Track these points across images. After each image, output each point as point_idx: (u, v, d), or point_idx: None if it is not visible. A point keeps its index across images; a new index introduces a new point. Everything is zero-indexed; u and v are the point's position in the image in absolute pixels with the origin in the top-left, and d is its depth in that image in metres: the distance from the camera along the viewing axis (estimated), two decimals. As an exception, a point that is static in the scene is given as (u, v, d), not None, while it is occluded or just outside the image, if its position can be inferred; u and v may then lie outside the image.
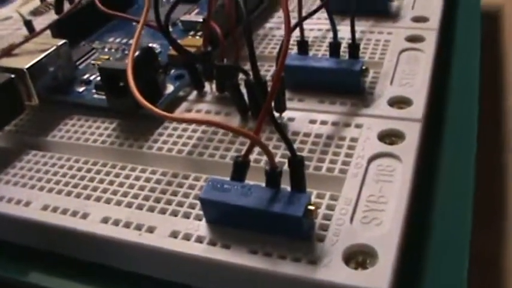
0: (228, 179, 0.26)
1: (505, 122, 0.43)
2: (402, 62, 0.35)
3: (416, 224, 0.26)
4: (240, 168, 0.25)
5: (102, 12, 0.35)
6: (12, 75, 0.32)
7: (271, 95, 0.24)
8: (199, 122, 0.29)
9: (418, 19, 0.40)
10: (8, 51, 0.34)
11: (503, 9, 0.58)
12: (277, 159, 0.28)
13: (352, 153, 0.28)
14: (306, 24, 0.35)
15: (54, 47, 0.35)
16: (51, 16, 0.46)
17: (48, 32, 0.39)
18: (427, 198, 0.28)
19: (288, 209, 0.23)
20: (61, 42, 0.35)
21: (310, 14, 0.33)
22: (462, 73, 0.37)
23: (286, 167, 0.25)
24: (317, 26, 0.40)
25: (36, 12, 0.49)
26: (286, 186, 0.25)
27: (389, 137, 0.29)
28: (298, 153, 0.25)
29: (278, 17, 0.43)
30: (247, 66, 0.35)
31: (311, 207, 0.23)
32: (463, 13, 0.44)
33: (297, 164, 0.24)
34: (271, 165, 0.24)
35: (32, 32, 0.41)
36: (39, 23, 0.45)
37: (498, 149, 0.40)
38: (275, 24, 0.42)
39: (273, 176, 0.24)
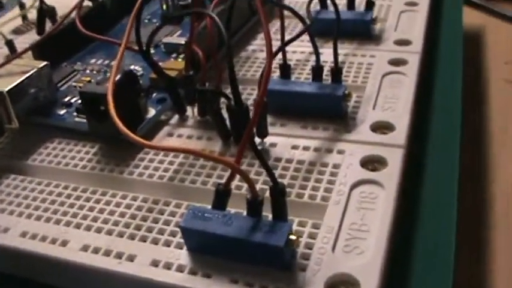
0: (209, 206, 0.25)
1: (487, 145, 0.43)
2: (385, 85, 0.35)
3: (399, 250, 0.26)
4: (222, 197, 0.25)
5: (83, 34, 0.35)
6: (-8, 98, 0.32)
7: (252, 123, 0.24)
8: (178, 151, 0.29)
9: (401, 42, 0.40)
10: (-12, 73, 0.34)
11: (484, 30, 0.58)
12: (259, 185, 0.28)
13: (334, 180, 0.28)
14: (289, 47, 0.35)
15: (35, 69, 0.34)
16: (33, 36, 0.46)
17: (29, 52, 0.38)
18: (409, 225, 0.28)
19: (269, 238, 0.23)
20: (42, 64, 0.35)
21: (293, 39, 0.33)
22: (444, 95, 0.37)
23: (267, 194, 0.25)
24: (300, 49, 0.40)
25: (17, 31, 0.49)
26: (267, 213, 0.25)
27: (372, 163, 0.29)
28: (280, 182, 0.24)
29: (261, 39, 0.43)
30: (228, 90, 0.35)
31: (292, 237, 0.23)
32: (445, 34, 0.44)
33: (278, 193, 0.24)
34: (252, 194, 0.24)
35: (13, 52, 0.41)
36: (21, 41, 0.45)
37: (479, 176, 0.40)
38: (258, 47, 0.42)
39: (254, 205, 0.24)
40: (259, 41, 0.43)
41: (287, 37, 0.34)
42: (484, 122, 0.46)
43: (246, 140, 0.23)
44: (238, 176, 0.27)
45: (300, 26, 0.42)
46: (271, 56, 0.24)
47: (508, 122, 0.46)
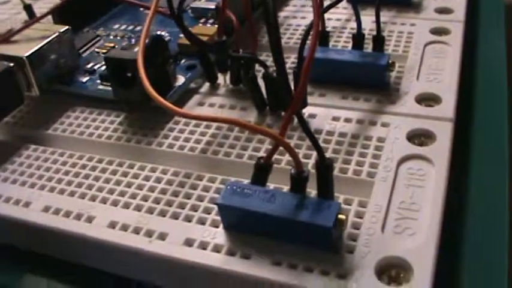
0: (246, 181, 0.24)
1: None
2: (428, 55, 0.33)
3: (448, 232, 0.24)
4: (262, 172, 0.23)
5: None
6: (11, 64, 0.30)
7: (299, 92, 0.22)
8: (218, 121, 0.27)
9: (442, 10, 0.38)
10: (7, 38, 0.32)
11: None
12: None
13: (380, 155, 0.26)
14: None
15: (56, 34, 0.32)
16: (52, 0, 0.44)
17: (49, 17, 0.36)
18: (458, 205, 0.26)
19: (316, 218, 0.21)
20: (63, 28, 0.33)
21: (335, 3, 0.30)
22: (488, 68, 0.35)
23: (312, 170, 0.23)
24: (335, 16, 0.38)
25: (36, -4, 0.47)
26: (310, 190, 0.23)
27: (419, 137, 0.27)
28: (327, 157, 0.22)
29: (293, 5, 0.41)
30: (262, 57, 0.33)
31: (341, 217, 0.21)
32: (485, 2, 0.42)
33: (326, 168, 0.22)
34: (297, 169, 0.22)
35: (32, 17, 0.39)
36: (40, 7, 0.43)
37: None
38: (290, 13, 0.40)
39: (299, 180, 0.22)
40: (291, 7, 0.41)
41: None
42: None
43: (293, 111, 0.21)
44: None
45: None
46: (318, 18, 0.22)
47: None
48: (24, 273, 0.25)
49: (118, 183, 0.26)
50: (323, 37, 0.32)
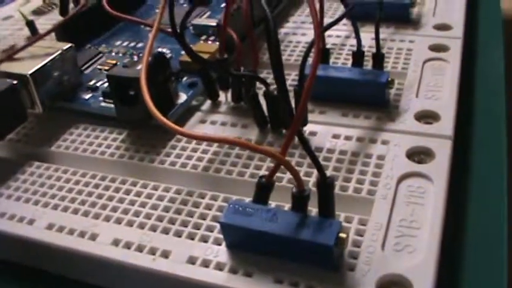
0: (248, 199, 0.24)
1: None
2: (427, 72, 0.33)
3: (448, 248, 0.24)
4: (264, 190, 0.23)
5: (110, 14, 0.33)
6: (15, 82, 0.30)
7: (300, 111, 0.22)
8: (220, 141, 0.27)
9: (440, 27, 0.38)
10: (10, 55, 0.32)
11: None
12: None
13: (380, 173, 0.26)
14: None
15: (59, 51, 0.33)
16: (54, 16, 0.44)
17: (52, 34, 0.37)
18: (458, 220, 0.26)
19: (318, 236, 0.21)
20: (67, 46, 0.33)
21: (335, 22, 0.31)
22: (486, 84, 0.35)
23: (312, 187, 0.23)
24: (335, 33, 0.38)
25: (38, 12, 0.47)
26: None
27: (418, 154, 0.27)
28: (329, 175, 0.23)
29: (293, 22, 0.41)
30: (263, 74, 0.34)
31: (342, 235, 0.21)
32: (483, 18, 0.42)
33: (327, 187, 0.22)
34: (298, 187, 0.22)
35: (34, 33, 0.39)
36: (42, 23, 0.44)
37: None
38: (290, 30, 0.40)
39: (300, 199, 0.22)
40: (291, 24, 0.41)
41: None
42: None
43: (295, 130, 0.22)
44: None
45: (333, 9, 0.41)
46: (319, 37, 0.22)
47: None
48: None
49: (121, 200, 0.26)
50: (323, 54, 0.33)
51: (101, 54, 0.38)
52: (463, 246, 0.25)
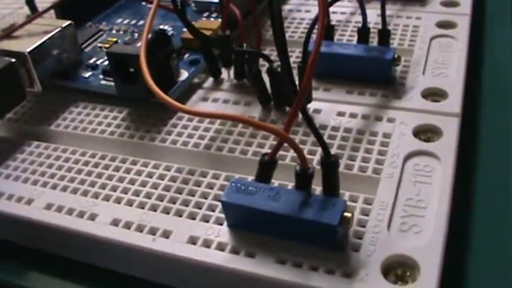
0: (251, 178, 0.23)
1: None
2: (434, 49, 0.33)
3: (455, 229, 0.23)
4: (267, 168, 0.23)
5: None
6: (13, 60, 0.30)
7: (304, 88, 0.21)
8: (222, 118, 0.26)
9: (448, 3, 0.37)
10: (9, 33, 0.32)
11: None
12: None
13: (386, 151, 0.26)
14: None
15: (58, 29, 0.32)
16: (55, -6, 0.44)
17: (51, 12, 0.36)
18: (465, 200, 0.25)
19: (322, 216, 0.21)
20: (66, 23, 0.33)
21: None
22: (495, 61, 0.35)
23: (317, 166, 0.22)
24: (340, 9, 0.38)
25: (38, -10, 0.47)
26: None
27: (425, 133, 0.27)
28: (333, 154, 0.22)
29: (297, -2, 0.41)
30: (266, 51, 0.33)
31: (347, 215, 0.21)
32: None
33: (331, 166, 0.22)
34: (302, 166, 0.22)
35: (34, 11, 0.38)
36: (42, 1, 0.43)
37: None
38: (294, 6, 0.39)
39: (304, 178, 0.22)
40: (295, 1, 0.40)
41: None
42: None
43: (298, 107, 0.21)
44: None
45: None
46: (323, 12, 0.22)
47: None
48: (25, 270, 0.25)
49: (121, 180, 0.26)
50: (328, 31, 0.32)
51: (101, 32, 0.37)
52: (471, 226, 0.24)
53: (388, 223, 0.22)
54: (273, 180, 0.23)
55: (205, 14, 0.37)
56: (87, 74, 0.33)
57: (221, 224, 0.23)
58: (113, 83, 0.31)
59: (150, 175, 0.26)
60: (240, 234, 0.22)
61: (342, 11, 0.37)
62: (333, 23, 0.34)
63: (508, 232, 0.24)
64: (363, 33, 0.31)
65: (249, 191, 0.22)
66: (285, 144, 0.22)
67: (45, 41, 0.31)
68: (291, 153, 0.26)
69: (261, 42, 0.30)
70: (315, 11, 0.37)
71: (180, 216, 0.24)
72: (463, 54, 0.32)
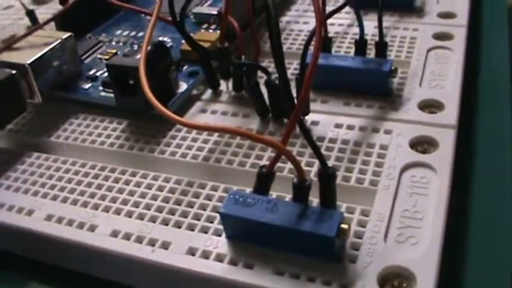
0: (249, 190, 0.24)
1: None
2: (431, 61, 0.33)
3: (451, 239, 0.23)
4: (265, 181, 0.23)
5: (110, 3, 0.33)
6: (13, 71, 0.30)
7: (301, 100, 0.22)
8: (220, 131, 0.27)
9: (444, 15, 0.38)
10: (10, 45, 0.32)
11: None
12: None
13: (382, 163, 0.26)
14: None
15: (59, 41, 0.32)
16: (55, 5, 0.44)
17: (52, 24, 0.36)
18: (461, 211, 0.26)
19: (319, 228, 0.21)
20: (66, 35, 0.33)
21: (338, 9, 0.30)
22: (491, 72, 0.35)
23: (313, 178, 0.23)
24: (337, 21, 0.38)
25: (38, 1, 0.47)
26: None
27: (422, 144, 0.27)
28: (330, 166, 0.22)
29: (295, 10, 0.41)
30: (265, 63, 0.33)
31: (344, 226, 0.21)
32: (488, 6, 0.42)
33: (328, 178, 0.22)
34: (299, 178, 0.22)
35: (35, 23, 0.39)
36: (42, 12, 0.43)
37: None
38: (292, 18, 0.40)
39: (301, 190, 0.22)
40: (293, 12, 0.41)
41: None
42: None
43: (296, 120, 0.21)
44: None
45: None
46: (320, 24, 0.22)
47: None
48: (25, 281, 0.25)
49: (120, 191, 0.26)
50: (325, 43, 0.32)
51: (101, 44, 0.38)
52: (467, 238, 0.24)
53: (385, 234, 0.22)
54: (270, 192, 0.23)
55: (204, 26, 0.38)
56: (87, 86, 0.33)
57: (220, 236, 0.23)
58: (112, 95, 0.31)
59: (149, 186, 0.26)
60: (238, 245, 0.23)
61: (339, 23, 0.38)
62: (330, 34, 0.34)
63: (504, 242, 0.24)
64: (360, 45, 0.32)
65: (247, 202, 0.22)
66: (283, 156, 0.22)
67: (45, 53, 0.32)
68: (289, 164, 0.26)
69: (259, 54, 0.31)
70: (312, 22, 0.38)
71: (179, 227, 0.24)
72: (459, 65, 0.32)
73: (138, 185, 0.26)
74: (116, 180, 0.27)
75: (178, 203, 0.25)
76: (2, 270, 0.26)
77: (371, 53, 0.32)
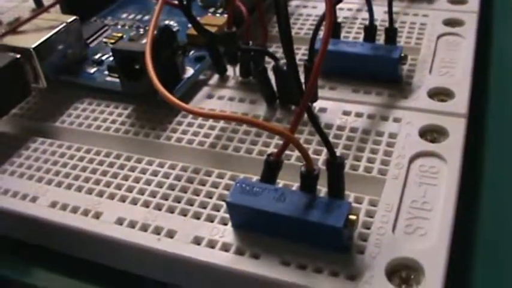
0: (256, 177, 0.23)
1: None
2: (441, 48, 0.33)
3: (460, 231, 0.23)
4: (272, 169, 0.23)
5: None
6: (18, 55, 0.30)
7: (310, 88, 0.21)
8: (226, 119, 0.26)
9: (455, 1, 0.37)
10: (14, 28, 0.31)
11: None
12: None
13: (391, 151, 0.26)
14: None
15: (63, 24, 0.32)
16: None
17: (57, 7, 0.36)
18: (471, 202, 0.25)
19: (327, 218, 0.21)
20: (71, 18, 0.32)
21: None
22: (503, 59, 0.34)
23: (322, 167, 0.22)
24: (346, 6, 0.37)
25: (43, -17, 0.46)
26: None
27: (431, 133, 0.27)
28: (339, 155, 0.22)
29: (304, -6, 0.40)
30: (272, 48, 0.33)
31: (352, 217, 0.21)
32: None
33: (337, 167, 0.22)
34: (307, 167, 0.22)
35: (39, 5, 0.38)
36: (47, -5, 0.43)
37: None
38: (301, 2, 0.39)
39: (309, 179, 0.22)
40: (301, -4, 0.40)
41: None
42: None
43: (304, 107, 0.21)
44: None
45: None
46: (330, 10, 0.21)
47: None
48: (29, 267, 0.25)
49: (126, 178, 0.26)
50: (334, 29, 0.32)
51: (106, 27, 0.37)
52: (477, 229, 0.24)
53: (393, 225, 0.22)
54: (277, 180, 0.23)
55: (211, 10, 0.37)
56: (92, 70, 0.33)
57: (226, 224, 0.23)
58: (118, 80, 0.30)
59: (155, 173, 0.26)
60: (244, 235, 0.22)
61: (348, 8, 0.37)
62: (339, 19, 0.34)
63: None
64: (370, 31, 0.31)
65: (254, 191, 0.22)
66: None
67: (50, 37, 0.31)
68: (297, 152, 0.26)
69: (267, 40, 0.30)
70: (321, 6, 0.37)
71: (185, 215, 0.24)
72: (470, 52, 0.32)
73: (143, 171, 0.26)
74: (121, 167, 0.26)
75: (184, 190, 0.25)
76: (5, 256, 0.26)
77: (380, 39, 0.32)
